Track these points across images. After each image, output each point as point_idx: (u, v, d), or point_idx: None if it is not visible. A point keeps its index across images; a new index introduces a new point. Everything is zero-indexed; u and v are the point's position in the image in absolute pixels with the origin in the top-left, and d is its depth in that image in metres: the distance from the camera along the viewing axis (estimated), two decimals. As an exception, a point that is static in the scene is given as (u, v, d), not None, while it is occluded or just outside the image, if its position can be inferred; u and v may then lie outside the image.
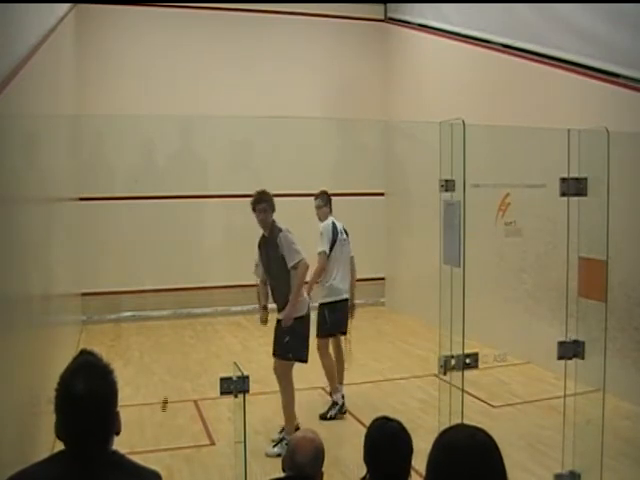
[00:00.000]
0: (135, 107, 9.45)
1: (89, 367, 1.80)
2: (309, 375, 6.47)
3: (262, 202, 5.21)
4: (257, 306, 5.60)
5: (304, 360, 5.20)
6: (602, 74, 6.44)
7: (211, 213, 10.11)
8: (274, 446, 5.05)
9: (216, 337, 9.02)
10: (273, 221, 5.23)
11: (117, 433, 1.82)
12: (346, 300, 6.07)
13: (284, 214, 10.84)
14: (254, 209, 5.24)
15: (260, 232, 5.36)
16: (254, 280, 5.67)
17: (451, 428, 1.84)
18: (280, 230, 5.15)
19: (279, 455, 4.72)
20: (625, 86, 6.17)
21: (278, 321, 5.27)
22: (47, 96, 5.76)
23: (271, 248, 5.16)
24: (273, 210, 5.25)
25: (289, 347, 5.15)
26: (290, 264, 5.07)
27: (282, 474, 2.75)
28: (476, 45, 8.54)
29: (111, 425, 1.79)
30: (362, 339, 8.71)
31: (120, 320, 9.63)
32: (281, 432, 5.15)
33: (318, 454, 2.73)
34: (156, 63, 9.84)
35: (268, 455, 4.96)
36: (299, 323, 5.16)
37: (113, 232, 9.58)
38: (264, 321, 5.45)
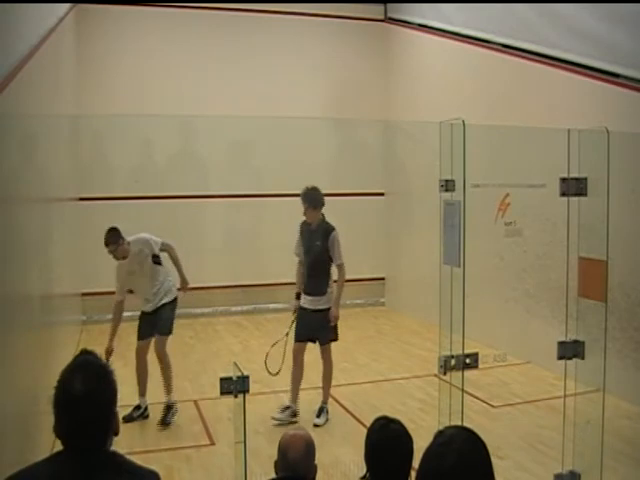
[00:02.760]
0: (135, 107, 9.45)
1: (88, 367, 1.80)
2: (308, 375, 6.47)
3: (306, 200, 5.74)
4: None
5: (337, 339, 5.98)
6: (602, 74, 6.44)
7: (211, 213, 10.11)
8: (318, 415, 5.72)
9: (216, 337, 9.01)
10: (323, 215, 5.80)
11: (116, 433, 1.82)
12: None
13: (284, 214, 10.89)
14: (302, 203, 5.78)
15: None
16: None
17: (444, 431, 1.83)
18: (333, 228, 5.79)
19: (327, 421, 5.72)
20: (625, 86, 6.17)
21: (302, 309, 5.82)
22: (47, 96, 5.76)
23: (317, 238, 5.75)
24: (321, 206, 5.77)
25: (331, 332, 5.84)
26: (337, 262, 5.78)
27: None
28: (476, 45, 8.53)
29: (109, 425, 1.79)
30: (362, 339, 8.73)
31: (120, 320, 9.61)
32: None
33: (309, 449, 2.74)
34: (156, 63, 9.84)
35: (316, 425, 5.60)
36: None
37: (113, 232, 9.57)
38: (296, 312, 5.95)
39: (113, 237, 5.66)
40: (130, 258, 5.76)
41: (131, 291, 5.97)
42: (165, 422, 5.64)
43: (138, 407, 5.83)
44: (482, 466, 1.70)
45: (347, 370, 6.98)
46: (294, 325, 5.90)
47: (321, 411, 5.79)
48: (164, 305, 5.90)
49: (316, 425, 5.61)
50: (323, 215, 5.81)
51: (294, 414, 5.74)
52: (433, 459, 1.72)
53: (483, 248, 6.44)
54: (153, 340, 5.90)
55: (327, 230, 5.77)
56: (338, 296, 5.83)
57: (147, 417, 5.80)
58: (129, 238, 5.78)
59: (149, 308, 5.95)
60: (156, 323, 5.88)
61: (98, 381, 1.77)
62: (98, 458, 1.75)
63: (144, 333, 5.98)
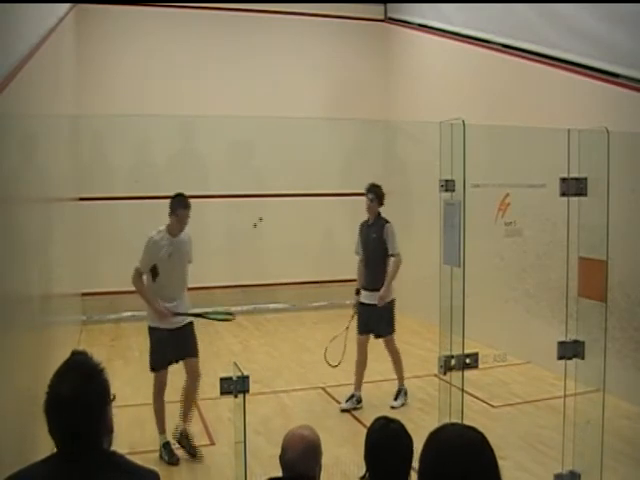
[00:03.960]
0: (135, 107, 9.45)
1: (76, 369, 1.79)
2: (308, 376, 6.48)
3: (372, 192, 6.18)
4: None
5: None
6: (602, 74, 6.44)
7: (211, 213, 10.11)
8: (396, 398, 6.11)
9: (216, 337, 9.00)
10: (379, 212, 6.20)
11: (110, 431, 1.81)
12: None
13: (284, 214, 10.88)
14: (367, 195, 6.23)
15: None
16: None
17: (441, 428, 1.84)
18: (387, 221, 6.19)
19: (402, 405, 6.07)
20: (625, 86, 6.17)
21: (361, 304, 6.14)
22: (47, 96, 5.76)
23: (374, 232, 6.15)
24: (380, 203, 6.19)
25: (390, 324, 6.14)
26: (392, 251, 6.09)
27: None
28: (476, 45, 8.54)
29: (100, 425, 1.78)
30: (362, 339, 8.71)
31: (120, 320, 9.62)
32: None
33: (307, 449, 2.70)
34: (156, 63, 9.84)
35: (394, 407, 5.96)
36: (393, 305, 6.16)
37: (113, 232, 9.57)
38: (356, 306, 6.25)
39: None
40: (178, 241, 5.23)
41: (154, 272, 5.20)
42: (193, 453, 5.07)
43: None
44: (492, 460, 1.70)
45: (347, 370, 6.97)
46: (355, 319, 6.20)
47: (398, 393, 6.15)
48: (190, 323, 5.29)
49: (392, 407, 5.95)
50: (379, 211, 6.18)
51: (359, 401, 6.06)
52: (441, 457, 1.71)
53: (483, 248, 6.44)
54: (185, 363, 5.33)
55: (382, 223, 6.16)
56: (389, 279, 6.08)
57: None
58: None
59: (174, 322, 5.18)
60: (185, 343, 5.24)
61: (86, 382, 1.76)
62: (96, 458, 1.75)
63: (169, 356, 5.21)
